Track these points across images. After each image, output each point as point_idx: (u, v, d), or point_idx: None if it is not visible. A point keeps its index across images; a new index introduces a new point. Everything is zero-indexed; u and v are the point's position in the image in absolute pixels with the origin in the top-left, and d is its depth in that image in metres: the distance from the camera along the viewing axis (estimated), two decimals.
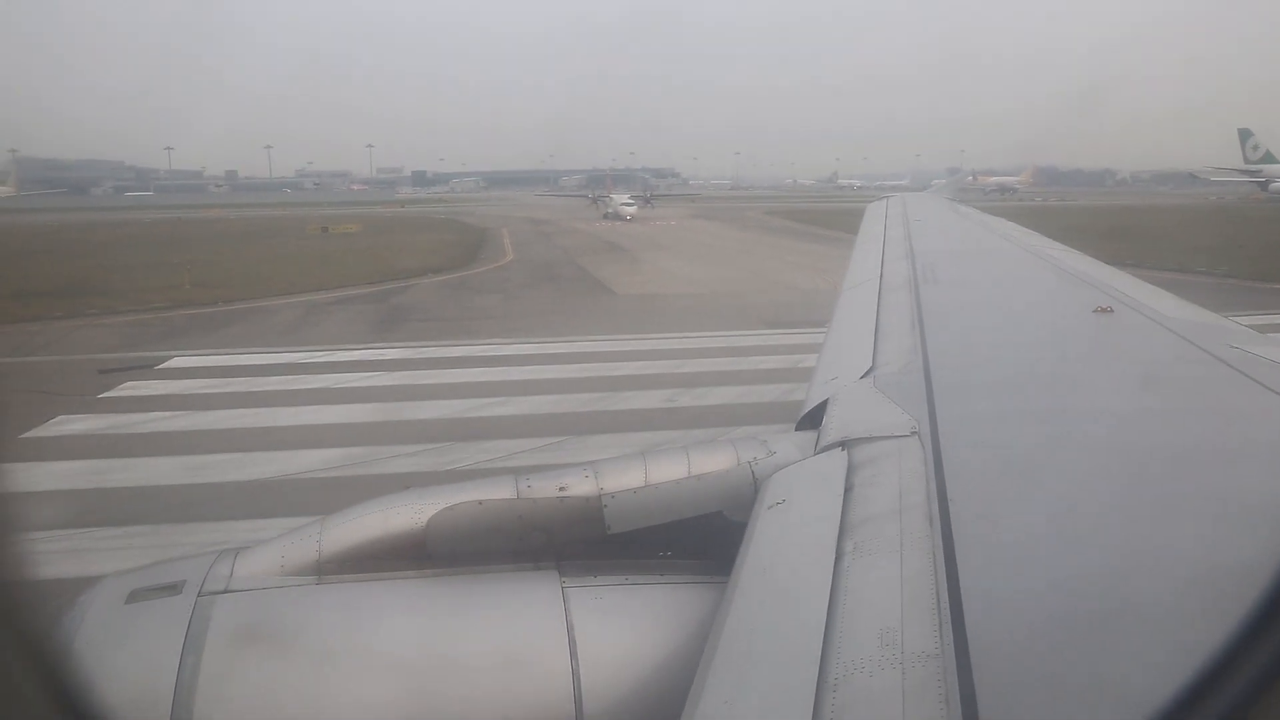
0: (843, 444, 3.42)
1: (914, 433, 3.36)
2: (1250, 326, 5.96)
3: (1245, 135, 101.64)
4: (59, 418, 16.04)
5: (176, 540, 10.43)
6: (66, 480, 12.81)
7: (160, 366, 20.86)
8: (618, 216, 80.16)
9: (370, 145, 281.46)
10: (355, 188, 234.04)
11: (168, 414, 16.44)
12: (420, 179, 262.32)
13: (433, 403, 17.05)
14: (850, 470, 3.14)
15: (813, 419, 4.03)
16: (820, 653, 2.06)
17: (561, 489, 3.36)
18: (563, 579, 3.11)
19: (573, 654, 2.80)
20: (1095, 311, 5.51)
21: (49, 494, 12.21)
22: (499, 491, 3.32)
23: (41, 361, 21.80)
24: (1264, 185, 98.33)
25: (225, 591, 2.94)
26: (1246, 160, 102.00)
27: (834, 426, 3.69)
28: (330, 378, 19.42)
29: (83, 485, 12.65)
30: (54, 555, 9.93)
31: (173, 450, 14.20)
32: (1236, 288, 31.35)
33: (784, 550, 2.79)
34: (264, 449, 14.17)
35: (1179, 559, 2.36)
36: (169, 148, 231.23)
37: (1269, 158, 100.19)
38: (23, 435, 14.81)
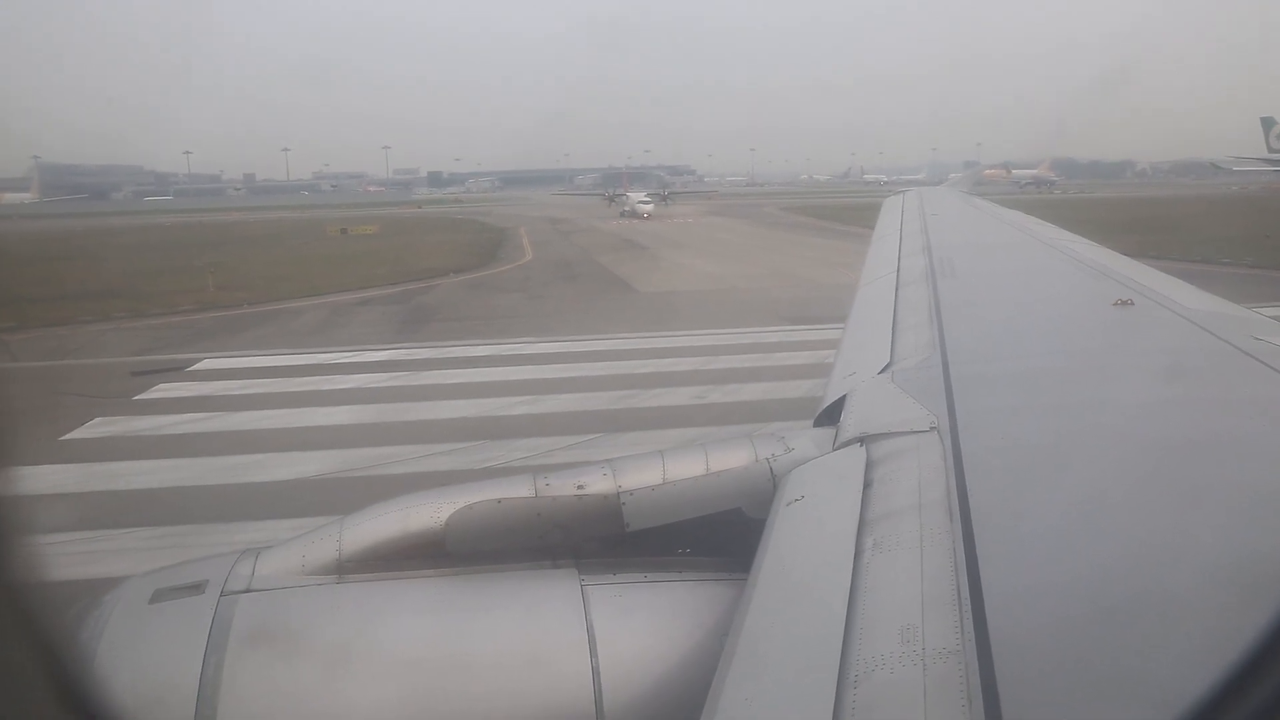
0: (861, 440, 3.40)
1: (933, 428, 3.33)
2: (1276, 318, 5.88)
3: (1269, 124, 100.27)
4: (97, 419, 16.26)
5: (220, 539, 10.53)
6: (108, 481, 13.00)
7: (191, 368, 21.07)
8: (635, 214, 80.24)
9: (386, 147, 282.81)
10: (372, 189, 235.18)
11: (202, 415, 16.61)
12: (436, 179, 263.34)
13: (462, 401, 17.13)
14: (869, 466, 3.12)
15: (831, 415, 4.01)
16: (840, 649, 2.04)
17: (580, 487, 3.35)
18: (582, 577, 3.11)
19: (592, 652, 2.81)
20: (1115, 304, 5.45)
21: (92, 495, 12.42)
22: (517, 490, 3.33)
23: (74, 365, 22.09)
24: None
25: (247, 591, 2.96)
26: (1270, 150, 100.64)
27: (852, 422, 3.67)
28: (360, 378, 19.55)
29: (124, 486, 12.82)
30: (101, 555, 10.07)
31: (209, 451, 14.35)
32: (1263, 278, 30.99)
33: (803, 547, 2.78)
34: (298, 449, 14.30)
35: (1203, 553, 2.33)
36: (188, 152, 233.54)
37: None
38: (63, 437, 15.01)
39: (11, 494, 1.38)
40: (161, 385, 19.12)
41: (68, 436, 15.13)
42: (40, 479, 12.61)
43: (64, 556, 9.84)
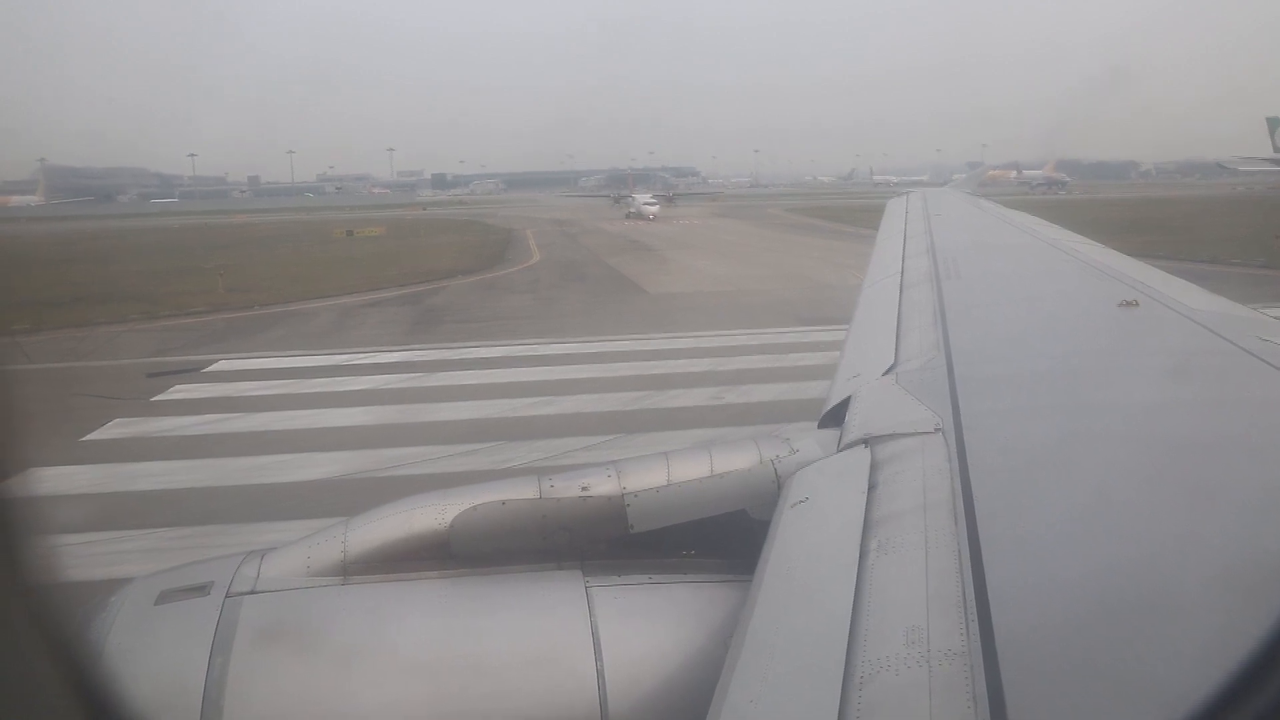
0: (865, 441, 3.40)
1: (937, 429, 3.32)
2: None
3: (1274, 124, 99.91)
4: (116, 421, 16.34)
5: (244, 539, 10.53)
6: (130, 482, 13.07)
7: (207, 370, 21.15)
8: (640, 216, 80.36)
9: (391, 149, 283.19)
10: (376, 191, 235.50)
11: (220, 416, 16.68)
12: (440, 181, 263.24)
13: (478, 402, 17.17)
14: (873, 468, 3.13)
15: (835, 416, 4.02)
16: (846, 651, 2.04)
17: (584, 488, 3.36)
18: (586, 578, 3.13)
19: (597, 653, 2.83)
20: (1120, 305, 5.43)
21: (115, 495, 12.49)
22: (522, 492, 3.34)
23: (91, 366, 22.18)
24: None
25: (252, 592, 2.98)
26: (1276, 149, 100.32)
27: (856, 424, 3.68)
28: (375, 379, 19.61)
29: (145, 487, 12.88)
30: (129, 555, 10.14)
31: (228, 452, 14.41)
32: (1274, 278, 30.94)
33: (808, 548, 2.78)
34: (316, 449, 14.35)
35: (1207, 553, 2.33)
36: (193, 154, 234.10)
37: None
38: (83, 438, 15.10)
39: (22, 496, 1.39)
40: (178, 386, 19.20)
41: (88, 438, 15.22)
42: (63, 480, 12.68)
43: (90, 556, 9.90)
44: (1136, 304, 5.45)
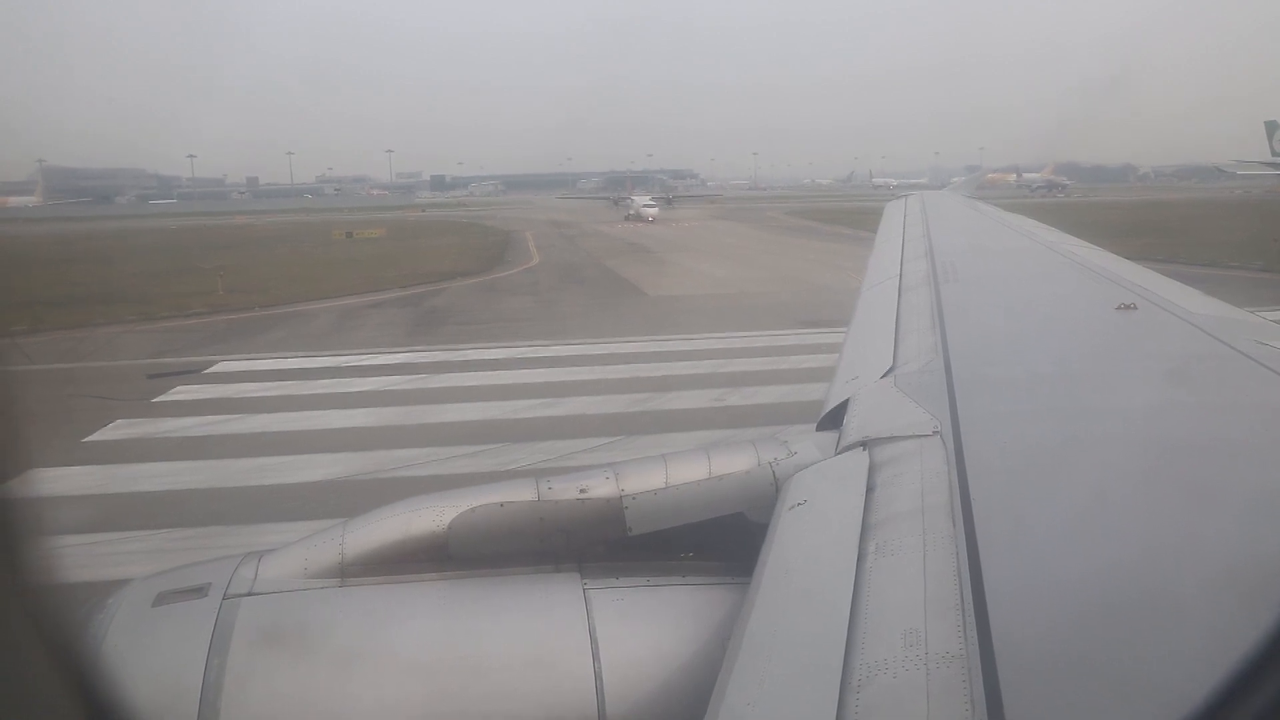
0: (864, 444, 3.41)
1: (936, 432, 3.33)
2: None
3: (1273, 128, 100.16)
4: (117, 422, 16.33)
5: (249, 540, 10.54)
6: (132, 483, 13.06)
7: (208, 371, 21.14)
8: (639, 218, 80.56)
9: (389, 150, 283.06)
10: (375, 193, 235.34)
11: (221, 417, 16.66)
12: (439, 183, 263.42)
13: (480, 404, 17.17)
14: (872, 470, 3.13)
15: (833, 419, 4.02)
16: (843, 653, 2.05)
17: (582, 490, 3.37)
18: (584, 580, 3.12)
19: (595, 655, 2.83)
20: (1118, 308, 5.43)
21: (118, 496, 12.48)
22: (520, 494, 3.34)
23: (91, 367, 22.14)
24: None
25: (250, 594, 2.98)
26: (1274, 153, 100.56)
27: (855, 426, 3.68)
28: (377, 380, 19.61)
29: (148, 488, 12.86)
30: (131, 556, 10.14)
31: (231, 453, 14.40)
32: (1272, 281, 31.00)
33: (806, 551, 2.79)
34: (320, 450, 14.34)
35: (1205, 557, 2.33)
36: (191, 155, 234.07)
37: None
38: (85, 439, 15.09)
39: (22, 496, 1.40)
40: (179, 387, 19.18)
41: (90, 439, 15.20)
42: (65, 481, 12.67)
43: (92, 557, 9.89)
44: (1134, 307, 5.45)
